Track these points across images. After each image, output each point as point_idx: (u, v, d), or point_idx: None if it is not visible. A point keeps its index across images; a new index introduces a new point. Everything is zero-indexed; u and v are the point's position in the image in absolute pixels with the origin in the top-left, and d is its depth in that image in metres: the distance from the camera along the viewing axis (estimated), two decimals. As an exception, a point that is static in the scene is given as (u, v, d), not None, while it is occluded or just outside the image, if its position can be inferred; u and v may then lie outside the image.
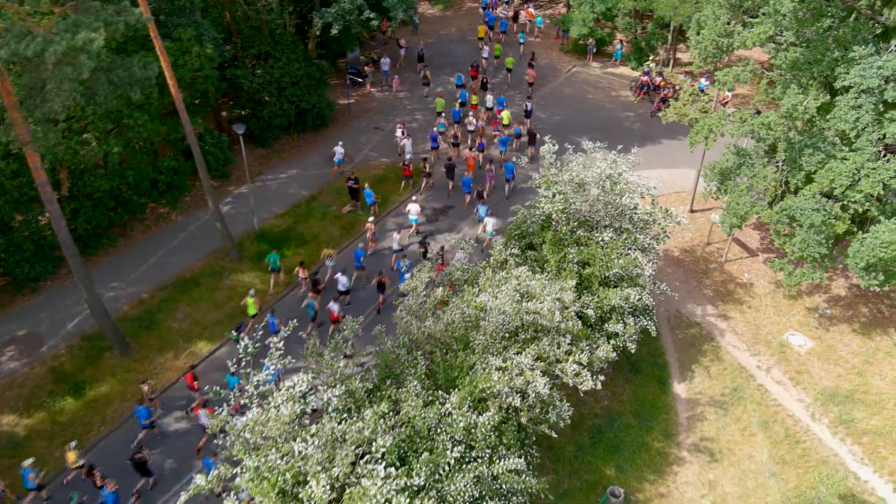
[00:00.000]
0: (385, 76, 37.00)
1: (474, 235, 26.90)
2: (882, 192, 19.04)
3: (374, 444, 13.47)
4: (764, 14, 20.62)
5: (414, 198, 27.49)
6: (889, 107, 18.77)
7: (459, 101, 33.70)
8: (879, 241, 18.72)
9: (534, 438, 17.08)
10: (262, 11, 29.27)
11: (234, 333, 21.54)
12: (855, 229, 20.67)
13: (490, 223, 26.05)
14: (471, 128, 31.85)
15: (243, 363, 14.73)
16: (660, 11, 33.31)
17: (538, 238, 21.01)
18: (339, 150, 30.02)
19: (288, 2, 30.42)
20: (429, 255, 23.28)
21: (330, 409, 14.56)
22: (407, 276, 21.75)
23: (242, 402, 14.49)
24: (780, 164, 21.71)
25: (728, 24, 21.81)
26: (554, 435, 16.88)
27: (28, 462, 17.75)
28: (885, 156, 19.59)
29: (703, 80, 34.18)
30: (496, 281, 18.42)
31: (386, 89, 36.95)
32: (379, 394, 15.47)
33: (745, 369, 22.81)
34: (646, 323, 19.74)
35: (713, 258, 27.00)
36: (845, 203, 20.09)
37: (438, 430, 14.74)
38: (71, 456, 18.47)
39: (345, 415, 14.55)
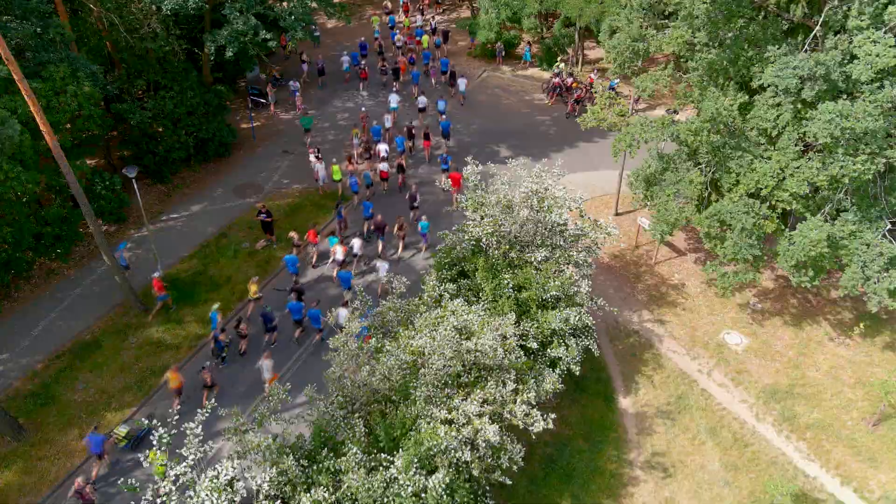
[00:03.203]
0: (292, 96, 35.00)
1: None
2: (807, 191, 18.99)
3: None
4: (676, 16, 20.25)
5: (395, 87, 34.43)
6: (807, 105, 18.70)
7: (389, 24, 41.76)
8: (808, 239, 18.64)
9: (487, 487, 15.98)
10: (147, 38, 26.68)
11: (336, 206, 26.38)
12: (782, 227, 20.65)
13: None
14: (398, 44, 39.08)
15: (159, 454, 12.90)
16: (566, 13, 32.90)
17: (469, 264, 19.91)
18: (345, 59, 36.53)
19: (174, 26, 27.86)
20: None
21: (261, 497, 12.93)
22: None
23: (159, 501, 12.65)
24: (703, 166, 21.47)
25: (641, 27, 21.36)
26: (508, 482, 15.84)
27: (216, 306, 21.26)
28: (805, 153, 19.58)
29: (614, 79, 34.02)
30: (433, 319, 17.15)
31: (292, 110, 34.95)
32: (316, 467, 13.93)
33: (686, 375, 22.53)
34: (587, 342, 19.02)
35: (643, 261, 26.72)
36: (772, 203, 20.00)
37: (385, 500, 13.38)
38: (253, 287, 22.54)
39: (278, 502, 12.96)
